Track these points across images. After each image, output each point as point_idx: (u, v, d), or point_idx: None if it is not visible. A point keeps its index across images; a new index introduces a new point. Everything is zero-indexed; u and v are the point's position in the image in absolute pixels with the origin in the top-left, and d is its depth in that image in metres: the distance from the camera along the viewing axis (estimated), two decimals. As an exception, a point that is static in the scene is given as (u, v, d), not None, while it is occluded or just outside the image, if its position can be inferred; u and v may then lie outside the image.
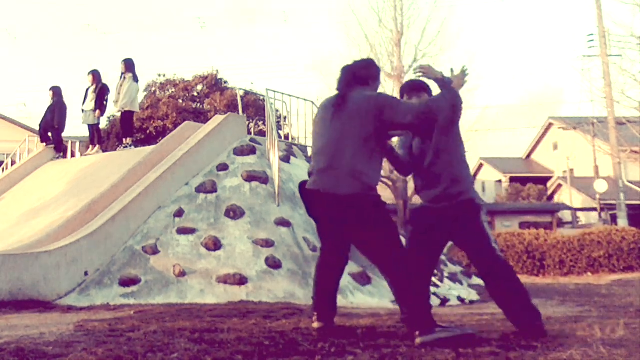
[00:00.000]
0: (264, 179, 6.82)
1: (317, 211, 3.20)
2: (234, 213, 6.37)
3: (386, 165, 16.92)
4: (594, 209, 26.41)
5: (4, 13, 71.13)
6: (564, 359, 2.46)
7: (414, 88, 3.51)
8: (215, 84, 24.18)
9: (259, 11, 76.60)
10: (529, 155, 37.94)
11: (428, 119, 3.06)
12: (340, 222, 3.08)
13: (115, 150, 12.49)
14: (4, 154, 14.22)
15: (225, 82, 24.53)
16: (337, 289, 3.41)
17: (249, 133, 9.49)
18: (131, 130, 9.85)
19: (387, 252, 2.96)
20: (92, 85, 9.66)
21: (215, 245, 6.00)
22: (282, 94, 8.13)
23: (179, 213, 6.43)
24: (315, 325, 3.31)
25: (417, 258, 3.42)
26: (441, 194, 3.36)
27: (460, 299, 6.39)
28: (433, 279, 6.04)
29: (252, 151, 7.29)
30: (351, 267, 5.76)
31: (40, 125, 10.18)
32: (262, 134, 9.82)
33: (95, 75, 9.67)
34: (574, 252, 12.60)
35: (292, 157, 7.78)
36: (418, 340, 2.75)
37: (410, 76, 15.66)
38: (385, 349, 2.66)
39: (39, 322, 3.79)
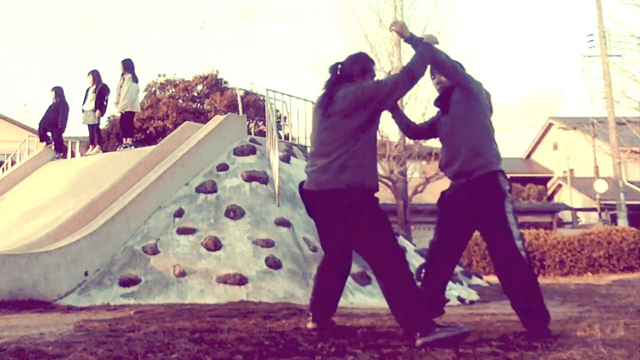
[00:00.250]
0: (264, 179, 6.82)
1: (314, 211, 3.19)
2: (234, 213, 6.37)
3: (386, 165, 16.96)
4: (594, 209, 26.40)
5: (4, 13, 71.16)
6: (564, 359, 2.46)
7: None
8: (215, 84, 24.16)
9: (259, 11, 76.66)
10: (529, 155, 37.91)
11: (410, 80, 3.03)
12: (335, 220, 3.06)
13: (115, 150, 12.50)
14: (4, 154, 14.22)
15: (225, 82, 24.52)
16: (339, 291, 3.39)
17: (249, 133, 9.49)
18: (131, 130, 9.85)
19: (381, 250, 2.92)
20: (92, 85, 9.66)
21: (215, 245, 6.00)
22: (282, 94, 8.14)
23: (179, 213, 6.43)
24: (310, 325, 3.31)
25: (438, 247, 3.36)
26: (459, 169, 3.25)
27: (460, 299, 6.39)
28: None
29: (252, 151, 7.29)
30: (351, 267, 5.75)
31: (40, 124, 10.16)
32: (262, 134, 9.82)
33: (95, 75, 9.67)
34: (574, 252, 12.61)
35: (292, 157, 7.78)
36: (419, 342, 2.74)
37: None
38: (385, 349, 2.66)
39: (39, 322, 3.79)
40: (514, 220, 3.15)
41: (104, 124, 20.64)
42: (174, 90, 24.11)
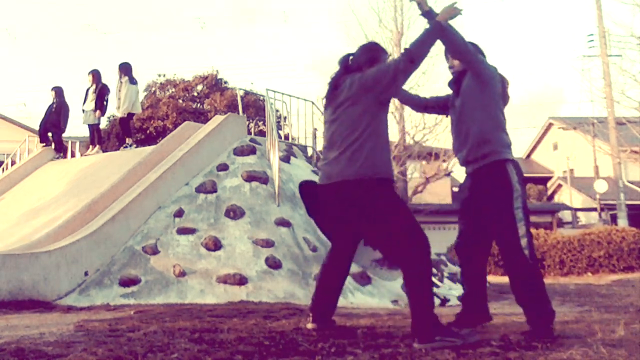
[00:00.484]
0: (264, 179, 6.82)
1: (328, 206, 3.06)
2: (234, 213, 6.37)
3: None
4: (594, 209, 26.41)
5: (4, 13, 71.15)
6: (564, 359, 2.46)
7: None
8: (215, 84, 24.17)
9: (259, 11, 76.64)
10: (529, 155, 37.91)
11: (410, 62, 2.96)
12: (349, 214, 2.93)
13: (116, 150, 12.50)
14: (4, 154, 14.22)
15: (225, 82, 24.52)
16: (340, 290, 3.38)
17: (249, 133, 9.49)
18: (129, 130, 9.85)
19: (401, 244, 2.78)
20: (92, 85, 9.66)
21: (215, 245, 6.00)
22: (282, 94, 8.14)
23: (179, 213, 6.43)
24: (309, 325, 3.30)
25: (464, 241, 3.32)
26: (467, 156, 3.19)
27: (460, 299, 6.38)
28: (433, 279, 6.00)
29: (252, 151, 7.29)
30: (351, 267, 5.75)
31: (40, 125, 10.15)
32: (262, 134, 9.82)
33: (95, 75, 9.67)
34: (574, 252, 12.60)
35: (292, 157, 7.78)
36: (416, 346, 2.71)
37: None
38: (385, 349, 2.66)
39: (39, 322, 3.79)
40: (523, 216, 3.02)
41: (104, 124, 20.65)
42: (174, 90, 24.12)
